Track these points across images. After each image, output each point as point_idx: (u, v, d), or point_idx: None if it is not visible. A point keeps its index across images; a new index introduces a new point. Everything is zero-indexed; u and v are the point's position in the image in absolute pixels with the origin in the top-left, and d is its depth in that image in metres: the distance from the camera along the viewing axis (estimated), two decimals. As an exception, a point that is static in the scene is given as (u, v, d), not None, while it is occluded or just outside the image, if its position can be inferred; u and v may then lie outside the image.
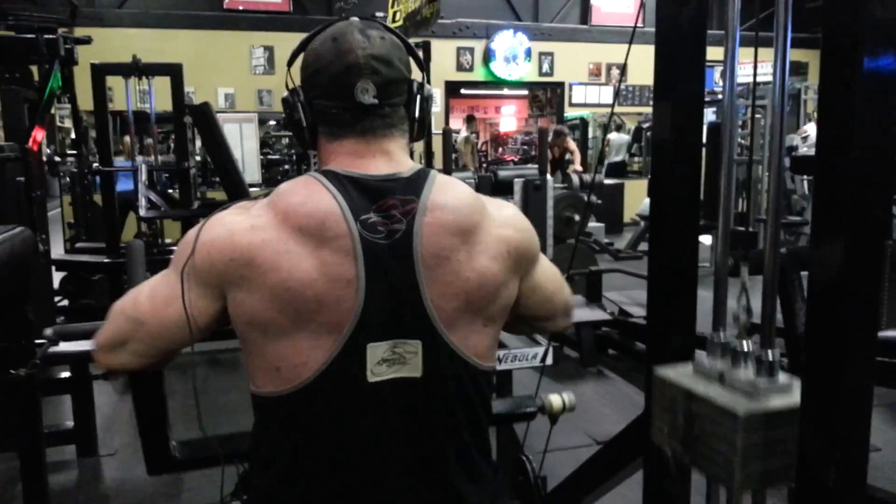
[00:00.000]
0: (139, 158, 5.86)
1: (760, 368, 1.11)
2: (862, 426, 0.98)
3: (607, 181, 9.16)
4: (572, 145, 9.07)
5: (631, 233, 8.79)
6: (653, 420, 1.27)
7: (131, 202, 5.35)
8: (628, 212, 10.03)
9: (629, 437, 1.65)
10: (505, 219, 1.11)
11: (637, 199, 9.26)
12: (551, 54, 11.43)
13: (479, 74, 11.24)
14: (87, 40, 4.49)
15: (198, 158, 8.33)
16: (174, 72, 4.89)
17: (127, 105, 5.35)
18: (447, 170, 3.92)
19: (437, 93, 10.57)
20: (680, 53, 1.27)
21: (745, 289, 1.17)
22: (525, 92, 14.87)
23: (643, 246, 7.53)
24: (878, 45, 0.80)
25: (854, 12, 0.80)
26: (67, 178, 7.31)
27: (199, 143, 8.01)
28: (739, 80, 1.26)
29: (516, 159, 14.74)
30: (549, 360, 2.28)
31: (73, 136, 5.85)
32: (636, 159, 12.58)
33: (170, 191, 6.36)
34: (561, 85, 11.76)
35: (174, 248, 1.15)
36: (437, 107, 10.57)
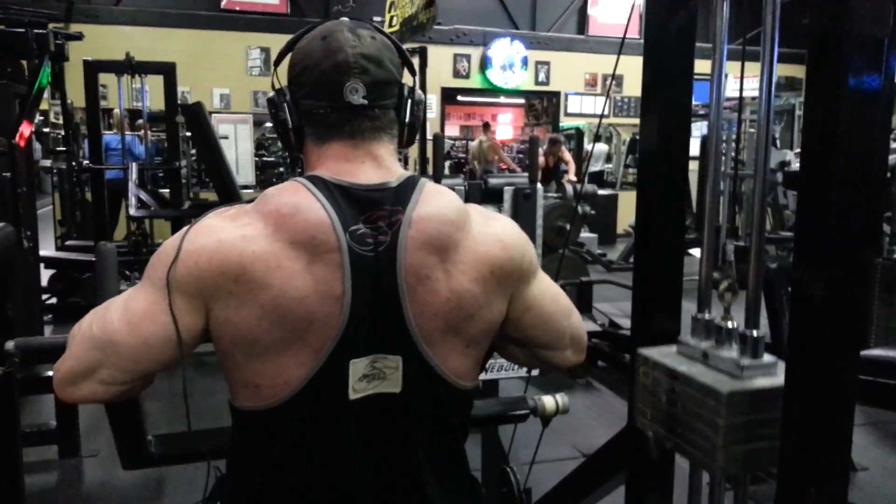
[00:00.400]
0: (128, 135, 5.82)
1: (745, 348, 1.10)
2: (841, 442, 0.97)
3: (601, 192, 9.17)
4: (567, 155, 9.07)
5: (624, 244, 8.80)
6: (636, 403, 1.25)
7: (124, 193, 5.31)
8: (622, 223, 10.05)
9: (613, 450, 1.64)
10: (491, 235, 1.05)
11: (631, 210, 9.14)
12: (548, 63, 11.46)
13: (475, 82, 11.26)
14: (78, 36, 4.48)
15: (193, 158, 8.30)
16: (167, 71, 4.88)
17: (119, 103, 5.34)
18: (437, 177, 3.90)
19: (434, 99, 10.58)
20: (668, 63, 1.26)
21: (730, 264, 1.16)
22: (521, 101, 14.90)
23: (635, 257, 7.51)
24: (861, 61, 0.80)
25: (838, 28, 0.80)
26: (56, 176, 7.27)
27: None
28: (733, 93, 1.26)
29: (518, 169, 14.75)
30: (536, 371, 2.26)
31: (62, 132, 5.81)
32: (630, 170, 12.61)
33: (161, 190, 6.34)
34: (557, 94, 11.78)
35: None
36: (433, 113, 10.58)
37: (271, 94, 1.07)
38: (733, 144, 6.58)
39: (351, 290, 0.94)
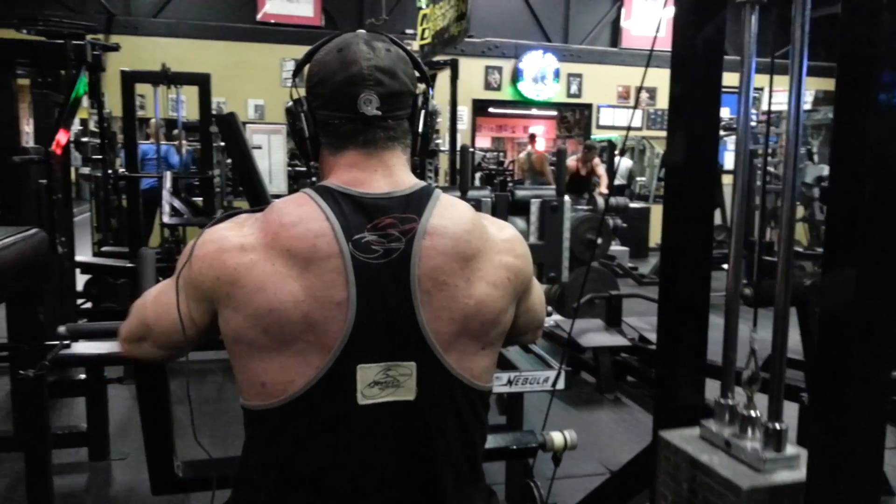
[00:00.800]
0: (164, 144, 5.93)
1: (768, 441, 1.08)
2: (873, 462, 0.94)
3: (633, 205, 9.07)
4: (600, 169, 8.99)
5: (656, 258, 8.70)
6: (657, 487, 1.24)
7: (159, 201, 5.42)
8: (653, 236, 9.93)
9: (637, 468, 1.62)
10: (505, 244, 1.11)
11: (663, 223, 9.15)
12: (580, 76, 11.42)
13: (506, 94, 11.26)
14: (114, 47, 4.57)
15: (227, 168, 8.42)
16: (202, 81, 4.95)
17: (155, 112, 5.43)
18: (464, 188, 3.89)
19: (465, 111, 10.59)
20: (695, 76, 1.25)
21: (753, 353, 1.14)
22: (553, 113, 14.85)
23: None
24: (891, 77, 0.77)
25: (868, 44, 0.78)
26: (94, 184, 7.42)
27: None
28: (772, 107, 1.23)
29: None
30: (561, 385, 2.24)
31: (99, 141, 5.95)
32: (663, 184, 12.45)
33: (195, 199, 6.44)
34: (589, 107, 11.73)
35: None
36: (464, 124, 10.59)
37: (289, 103, 1.11)
38: (768, 158, 6.50)
39: (356, 297, 0.97)
